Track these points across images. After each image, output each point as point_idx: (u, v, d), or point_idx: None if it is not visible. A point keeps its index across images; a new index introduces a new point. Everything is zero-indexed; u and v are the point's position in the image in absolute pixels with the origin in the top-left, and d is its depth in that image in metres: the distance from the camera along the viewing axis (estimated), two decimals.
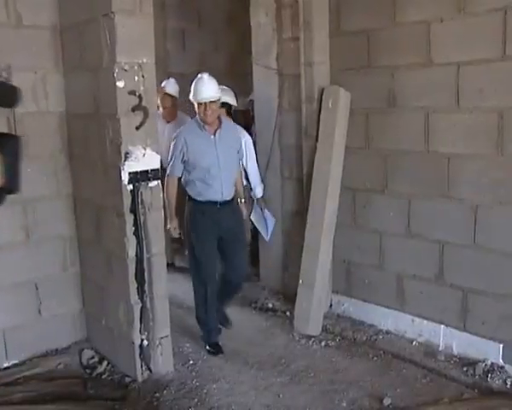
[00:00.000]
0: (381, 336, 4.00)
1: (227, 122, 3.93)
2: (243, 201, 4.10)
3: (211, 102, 3.59)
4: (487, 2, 3.23)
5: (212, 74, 3.70)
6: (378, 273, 4.07)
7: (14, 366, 3.68)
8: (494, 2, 3.19)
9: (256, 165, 4.50)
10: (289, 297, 4.44)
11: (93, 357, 3.78)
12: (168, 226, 3.85)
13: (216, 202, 3.72)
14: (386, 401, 3.17)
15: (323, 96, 4.13)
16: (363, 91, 3.99)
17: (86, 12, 3.31)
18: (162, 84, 4.93)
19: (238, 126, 4.20)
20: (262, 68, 4.65)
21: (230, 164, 3.80)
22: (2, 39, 3.44)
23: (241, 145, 3.97)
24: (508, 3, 3.14)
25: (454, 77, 3.44)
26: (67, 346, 3.90)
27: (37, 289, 3.78)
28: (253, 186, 4.52)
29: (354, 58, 4.00)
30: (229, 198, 3.80)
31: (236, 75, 5.84)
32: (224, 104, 4.25)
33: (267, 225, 4.58)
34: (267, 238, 4.63)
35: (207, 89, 3.59)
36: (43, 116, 3.66)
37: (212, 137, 3.69)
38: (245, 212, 4.12)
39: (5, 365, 3.67)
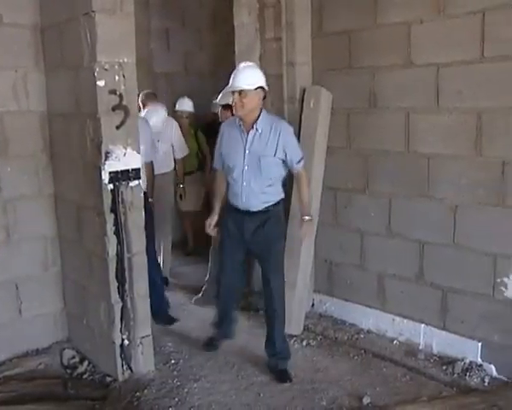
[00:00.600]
0: (362, 336, 4.03)
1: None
2: (306, 218, 3.52)
3: (240, 92, 3.28)
4: (466, 4, 3.26)
5: (196, 74, 3.70)
6: (359, 273, 4.10)
7: None
8: (473, 5, 3.23)
9: None
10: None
11: (74, 357, 3.76)
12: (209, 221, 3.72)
13: (238, 209, 3.48)
14: (366, 400, 3.20)
15: (305, 96, 4.15)
16: (345, 92, 4.02)
17: (67, 11, 3.29)
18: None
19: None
20: None
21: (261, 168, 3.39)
22: None
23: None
24: (486, 6, 3.18)
25: (434, 78, 3.48)
26: (48, 346, 3.88)
27: (17, 288, 3.76)
28: None
29: (336, 59, 4.02)
30: (254, 209, 3.43)
31: (221, 75, 5.83)
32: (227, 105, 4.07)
33: None
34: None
35: (237, 78, 3.31)
36: (24, 115, 3.64)
37: (246, 134, 3.38)
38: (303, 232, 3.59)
39: None
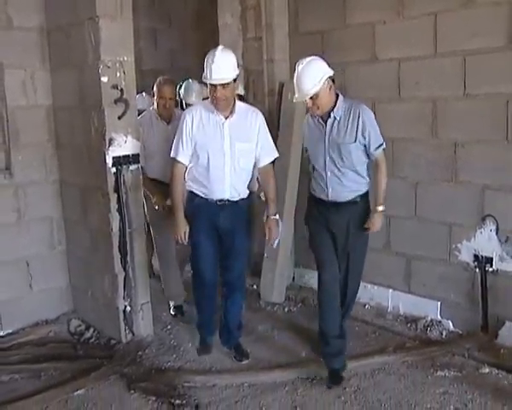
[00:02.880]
0: None
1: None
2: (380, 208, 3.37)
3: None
4: (421, 7, 3.77)
5: (182, 70, 4.10)
6: None
7: (9, 334, 4.05)
8: (427, 8, 3.74)
9: None
10: (256, 273, 4.89)
11: (80, 325, 4.18)
12: None
13: (325, 202, 3.40)
14: None
15: (284, 90, 4.62)
16: None
17: (71, 16, 3.72)
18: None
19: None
20: None
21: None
22: None
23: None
24: (438, 9, 3.68)
25: (395, 71, 3.98)
26: (56, 317, 4.28)
27: (28, 265, 4.17)
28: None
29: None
30: (342, 200, 3.34)
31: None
32: None
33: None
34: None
35: (302, 85, 3.18)
36: (32, 109, 4.05)
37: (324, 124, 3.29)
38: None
39: (0, 333, 4.05)
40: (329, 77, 3.17)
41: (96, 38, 3.52)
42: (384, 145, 3.30)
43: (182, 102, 4.82)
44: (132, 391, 3.30)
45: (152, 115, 4.16)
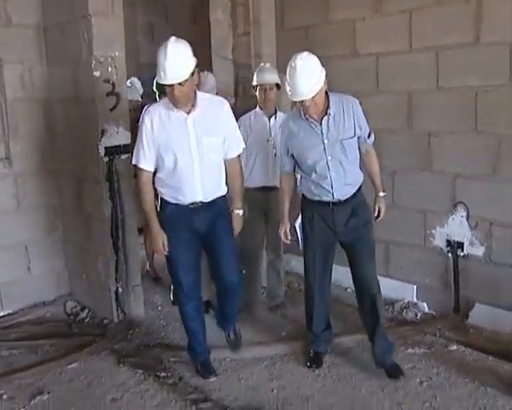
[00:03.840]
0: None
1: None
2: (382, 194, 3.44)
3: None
4: (397, 5, 3.96)
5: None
6: None
7: (8, 314, 4.31)
8: (402, 6, 3.93)
9: None
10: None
11: (75, 306, 4.42)
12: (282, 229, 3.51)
13: (326, 203, 3.28)
14: None
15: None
16: None
17: (67, 14, 3.95)
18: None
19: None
20: (220, 59, 5.32)
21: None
22: None
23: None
24: (412, 7, 3.87)
25: (374, 65, 4.18)
26: (53, 299, 4.53)
27: (26, 250, 4.42)
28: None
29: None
30: (345, 197, 3.24)
31: (201, 65, 6.49)
32: None
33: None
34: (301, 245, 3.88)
35: (299, 87, 3.03)
36: (30, 101, 4.28)
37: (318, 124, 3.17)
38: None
39: (0, 314, 4.31)
40: (324, 81, 3.08)
41: (89, 34, 3.74)
42: (373, 134, 3.33)
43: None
44: (121, 365, 3.55)
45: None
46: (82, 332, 4.05)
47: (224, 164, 3.24)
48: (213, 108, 3.14)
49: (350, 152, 3.18)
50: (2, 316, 4.30)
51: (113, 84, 3.86)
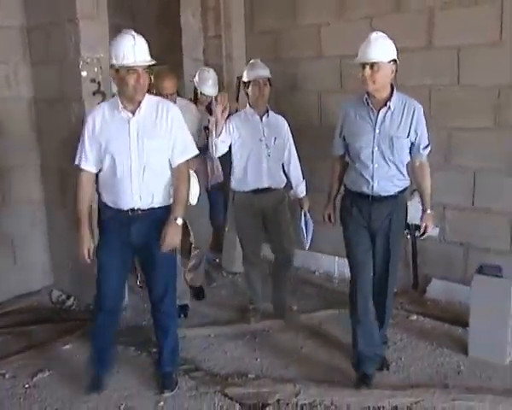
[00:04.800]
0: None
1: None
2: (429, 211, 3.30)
3: (372, 65, 3.04)
4: (358, 12, 4.38)
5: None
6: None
7: None
8: (363, 13, 4.35)
9: (296, 156, 4.03)
10: (218, 249, 5.42)
11: (61, 295, 4.64)
12: None
13: (365, 195, 3.23)
14: (294, 308, 4.27)
15: (241, 83, 5.15)
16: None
17: (51, 17, 4.17)
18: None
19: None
20: (191, 60, 5.63)
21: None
22: None
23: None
24: (372, 14, 4.30)
25: (338, 66, 4.58)
26: (39, 289, 4.73)
27: (12, 243, 4.63)
28: (294, 184, 4.05)
29: (265, 52, 5.02)
30: (385, 194, 3.18)
31: (170, 66, 6.77)
32: None
33: (307, 230, 4.05)
34: (307, 246, 4.13)
35: (369, 49, 3.06)
36: (16, 100, 4.48)
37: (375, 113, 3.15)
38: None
39: None
40: (395, 62, 3.07)
41: (76, 37, 3.99)
42: (430, 147, 3.21)
43: (196, 91, 4.78)
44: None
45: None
46: (70, 318, 4.29)
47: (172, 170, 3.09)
48: (160, 111, 2.99)
49: (398, 152, 3.10)
50: None
51: (99, 84, 4.11)
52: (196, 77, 4.75)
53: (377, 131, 3.09)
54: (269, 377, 3.36)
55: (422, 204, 3.28)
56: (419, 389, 3.11)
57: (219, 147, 3.69)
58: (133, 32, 2.93)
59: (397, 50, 3.13)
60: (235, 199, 3.98)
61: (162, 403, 3.14)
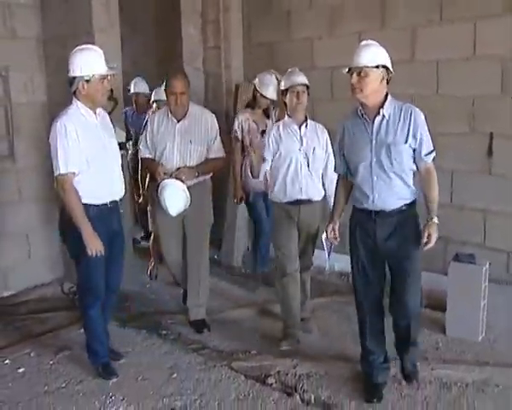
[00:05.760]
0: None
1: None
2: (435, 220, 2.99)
3: (359, 72, 2.97)
4: (348, 28, 4.84)
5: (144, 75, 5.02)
6: None
7: (12, 295, 4.87)
8: (351, 29, 4.80)
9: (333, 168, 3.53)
10: (217, 246, 5.80)
11: (72, 286, 4.96)
12: None
13: (368, 212, 3.10)
14: None
15: (239, 90, 5.59)
16: None
17: (68, 29, 4.56)
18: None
19: None
20: (191, 69, 6.02)
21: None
22: (1, 47, 4.63)
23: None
24: (361, 29, 4.74)
25: (329, 77, 5.02)
26: (50, 281, 5.10)
27: (27, 238, 4.98)
28: (327, 194, 3.88)
29: (262, 62, 5.47)
30: (388, 208, 3.01)
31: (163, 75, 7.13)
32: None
33: (331, 246, 3.79)
34: (329, 261, 4.15)
35: (356, 55, 3.03)
36: (32, 105, 4.86)
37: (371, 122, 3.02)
38: None
39: (5, 294, 4.85)
40: (386, 69, 2.99)
41: None
42: (434, 153, 3.03)
43: (254, 94, 4.80)
44: (126, 328, 4.19)
45: (165, 111, 4.10)
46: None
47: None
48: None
49: (397, 161, 2.95)
50: (8, 296, 4.85)
51: (112, 91, 4.48)
52: (257, 80, 4.76)
53: (374, 141, 2.98)
54: (269, 354, 3.75)
55: (428, 213, 2.98)
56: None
57: (262, 171, 3.88)
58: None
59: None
60: (274, 209, 3.96)
61: (175, 375, 3.52)
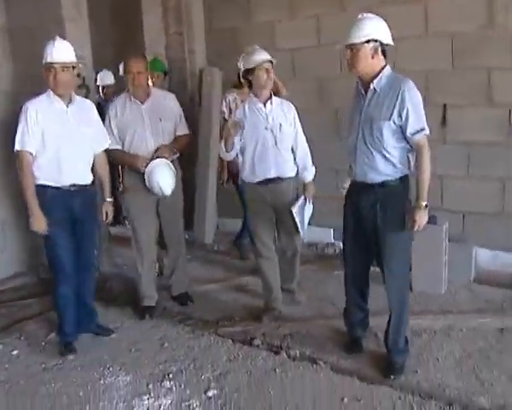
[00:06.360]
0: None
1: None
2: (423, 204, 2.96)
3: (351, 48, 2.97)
4: (307, 11, 5.10)
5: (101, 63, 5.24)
6: None
7: None
8: (311, 11, 5.06)
9: (304, 140, 3.94)
10: (189, 226, 5.98)
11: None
12: None
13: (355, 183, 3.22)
14: None
15: (203, 74, 5.77)
16: (231, 70, 5.58)
17: (35, 18, 4.62)
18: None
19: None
20: (154, 55, 6.14)
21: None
22: None
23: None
24: (320, 12, 5.00)
25: (290, 59, 5.28)
26: (25, 270, 5.19)
27: (2, 230, 5.06)
28: (300, 168, 3.94)
29: (224, 47, 5.67)
30: (369, 181, 3.04)
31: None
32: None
33: (303, 217, 3.97)
34: (302, 233, 4.04)
35: (348, 32, 3.00)
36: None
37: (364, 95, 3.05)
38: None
39: None
40: (378, 42, 2.92)
41: (61, 36, 4.44)
42: (426, 131, 2.91)
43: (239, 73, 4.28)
44: (111, 307, 4.34)
45: (126, 96, 4.07)
46: None
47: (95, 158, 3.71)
48: (85, 106, 3.69)
49: (378, 137, 2.93)
50: None
51: (84, 78, 4.60)
52: (240, 58, 4.30)
53: (362, 115, 2.99)
54: (252, 320, 4.00)
55: (417, 195, 2.96)
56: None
57: (232, 153, 3.82)
58: (57, 38, 3.59)
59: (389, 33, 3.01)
60: (246, 190, 3.99)
61: (166, 344, 3.73)
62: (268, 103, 3.79)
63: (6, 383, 3.38)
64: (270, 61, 3.79)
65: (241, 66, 3.86)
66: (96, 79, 6.22)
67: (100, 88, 6.42)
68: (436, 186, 4.76)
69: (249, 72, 3.76)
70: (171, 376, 3.33)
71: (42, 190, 3.49)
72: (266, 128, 3.75)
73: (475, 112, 4.55)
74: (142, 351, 3.67)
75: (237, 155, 3.89)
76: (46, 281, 4.93)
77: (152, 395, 3.16)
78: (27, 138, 3.44)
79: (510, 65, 4.32)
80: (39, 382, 3.38)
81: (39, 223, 3.47)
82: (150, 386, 3.24)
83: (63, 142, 3.48)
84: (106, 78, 6.60)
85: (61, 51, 3.49)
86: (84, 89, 4.62)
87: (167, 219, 4.23)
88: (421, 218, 2.95)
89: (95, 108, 3.80)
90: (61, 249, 3.57)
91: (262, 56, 3.74)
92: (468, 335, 3.60)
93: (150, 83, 4.26)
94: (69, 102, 3.56)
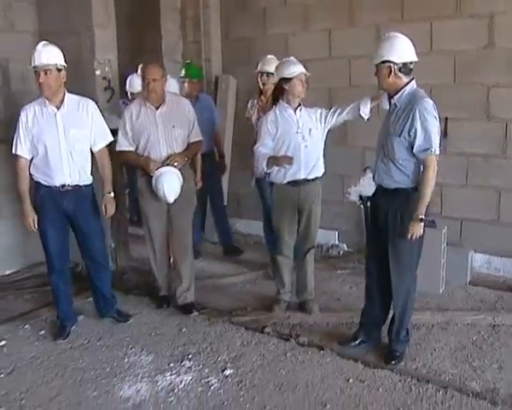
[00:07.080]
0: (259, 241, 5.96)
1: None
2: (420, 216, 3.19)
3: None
4: (319, 25, 5.43)
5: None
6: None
7: (13, 273, 5.24)
8: (323, 26, 5.39)
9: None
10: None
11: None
12: None
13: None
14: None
15: (219, 82, 6.09)
16: (245, 78, 5.95)
17: (65, 24, 4.92)
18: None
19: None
20: (170, 62, 6.46)
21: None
22: (2, 40, 4.97)
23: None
24: (331, 27, 5.33)
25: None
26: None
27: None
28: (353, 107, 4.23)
29: (239, 56, 6.00)
30: (384, 186, 3.37)
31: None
32: None
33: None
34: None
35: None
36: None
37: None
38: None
39: (7, 272, 5.21)
40: (393, 63, 3.12)
41: (91, 41, 4.77)
42: (432, 151, 3.10)
43: (257, 80, 5.11)
44: (130, 296, 4.64)
45: (141, 101, 4.19)
46: (82, 279, 5.03)
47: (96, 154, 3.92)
48: (81, 106, 3.81)
49: (391, 149, 3.19)
50: (9, 274, 5.20)
51: (109, 81, 4.91)
52: (260, 64, 5.02)
53: (385, 127, 3.26)
54: (263, 310, 4.30)
55: (414, 208, 3.18)
56: None
57: (263, 159, 3.96)
58: (43, 42, 3.77)
59: (406, 52, 3.18)
60: (274, 190, 4.16)
61: (184, 329, 4.03)
62: (298, 110, 4.05)
63: (38, 358, 3.68)
64: (305, 74, 4.06)
65: (277, 74, 4.10)
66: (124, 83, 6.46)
67: (128, 94, 6.54)
68: (436, 194, 5.07)
69: (286, 80, 3.99)
70: (190, 356, 3.64)
71: (37, 186, 3.79)
72: (297, 132, 4.00)
73: (474, 125, 4.89)
74: (161, 335, 3.98)
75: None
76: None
77: (173, 372, 3.46)
78: (19, 143, 3.73)
79: (507, 83, 4.67)
80: (68, 358, 3.68)
81: (28, 220, 3.81)
82: (171, 365, 3.55)
83: (51, 145, 3.69)
84: (135, 84, 6.70)
85: (42, 55, 3.64)
86: (110, 91, 4.92)
87: (176, 220, 4.31)
88: (415, 229, 3.16)
89: (96, 107, 3.93)
90: (50, 244, 3.87)
91: (300, 68, 4.01)
92: (463, 329, 3.92)
93: (188, 88, 5.00)
94: (60, 104, 3.73)
